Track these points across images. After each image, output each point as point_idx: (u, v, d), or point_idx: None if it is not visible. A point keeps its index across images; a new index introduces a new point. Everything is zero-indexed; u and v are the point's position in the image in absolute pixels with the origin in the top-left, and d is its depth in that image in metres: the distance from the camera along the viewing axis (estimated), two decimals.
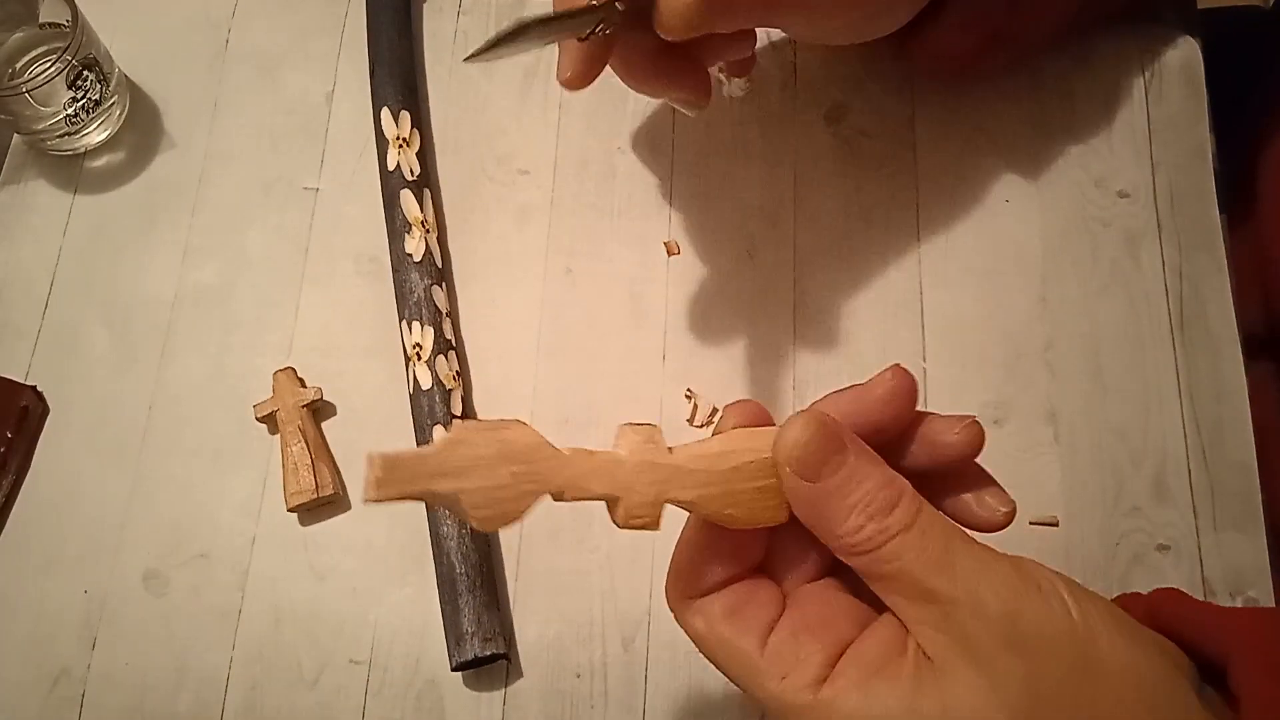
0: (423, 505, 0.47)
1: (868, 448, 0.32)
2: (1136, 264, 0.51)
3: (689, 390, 0.50)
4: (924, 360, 0.50)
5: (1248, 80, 0.56)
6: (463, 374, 0.50)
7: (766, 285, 0.52)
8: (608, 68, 0.43)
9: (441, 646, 0.45)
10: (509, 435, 0.31)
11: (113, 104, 0.54)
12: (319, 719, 0.46)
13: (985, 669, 0.29)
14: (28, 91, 0.50)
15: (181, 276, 0.53)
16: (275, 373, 0.50)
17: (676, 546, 0.34)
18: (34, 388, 0.51)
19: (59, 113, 0.52)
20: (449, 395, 0.48)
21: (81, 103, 0.53)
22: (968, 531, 0.33)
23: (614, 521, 0.32)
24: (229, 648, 0.47)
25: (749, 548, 0.34)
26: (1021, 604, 0.30)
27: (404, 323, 0.50)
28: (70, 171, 0.55)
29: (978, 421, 0.34)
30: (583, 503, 0.32)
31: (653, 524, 0.32)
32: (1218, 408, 0.49)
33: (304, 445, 0.48)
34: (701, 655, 0.35)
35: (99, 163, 0.56)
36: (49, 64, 0.50)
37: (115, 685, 0.46)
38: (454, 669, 0.45)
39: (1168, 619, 0.33)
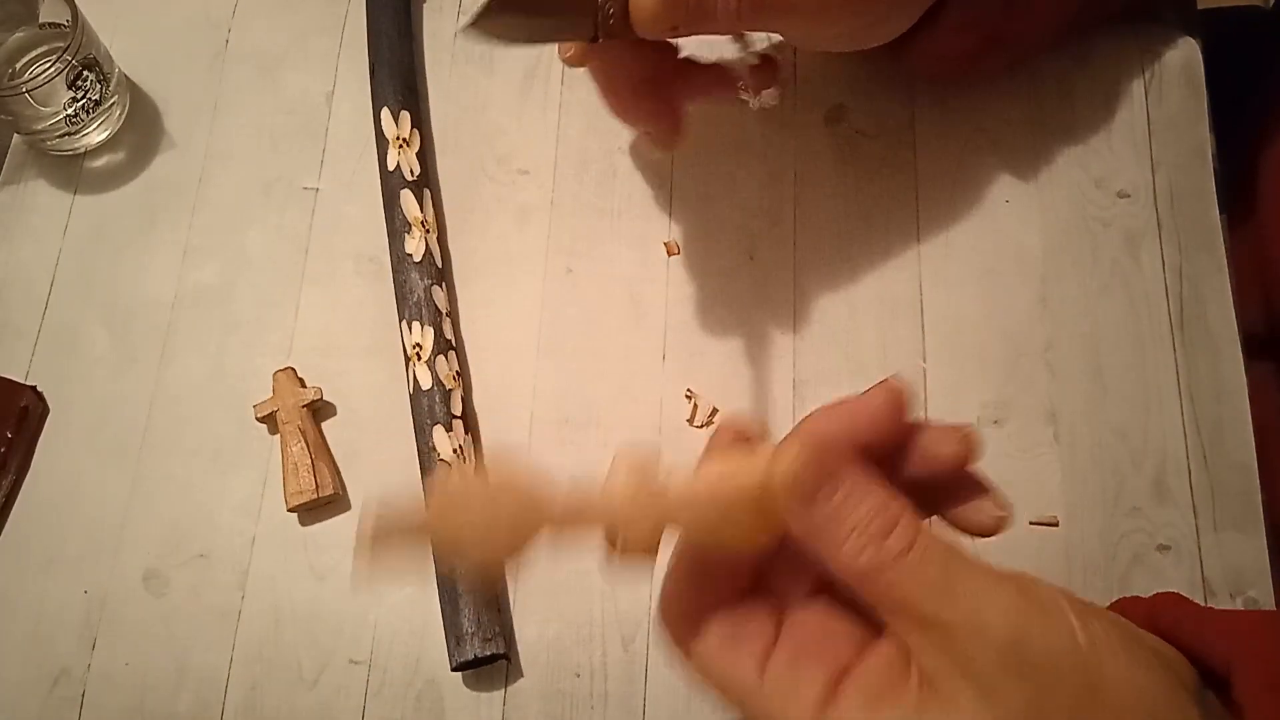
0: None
1: (864, 467, 0.32)
2: (1136, 264, 0.51)
3: (689, 390, 0.50)
4: (924, 360, 0.50)
5: (1248, 80, 0.56)
6: (463, 374, 0.50)
7: (766, 285, 0.52)
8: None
9: (441, 646, 0.45)
10: (501, 475, 0.30)
11: (113, 104, 0.54)
12: (319, 719, 0.46)
13: (989, 694, 0.29)
14: (28, 91, 0.51)
15: (181, 276, 0.53)
16: (275, 373, 0.50)
17: (665, 577, 0.33)
18: (34, 388, 0.51)
19: (59, 113, 0.52)
20: (449, 395, 0.48)
21: (81, 103, 0.53)
22: (976, 541, 0.32)
23: (611, 554, 0.31)
24: (229, 648, 0.47)
25: (741, 571, 0.34)
26: (1026, 628, 0.29)
27: (404, 323, 0.50)
28: (70, 171, 0.55)
29: (973, 431, 0.34)
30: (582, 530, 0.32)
31: (651, 555, 0.31)
32: (1218, 408, 0.49)
33: (304, 445, 0.48)
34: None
35: (99, 163, 0.56)
36: (49, 64, 0.50)
37: (115, 685, 0.46)
38: (454, 669, 0.45)
39: (1169, 626, 0.33)
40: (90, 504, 0.49)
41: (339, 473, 0.49)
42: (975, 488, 0.35)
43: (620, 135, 0.55)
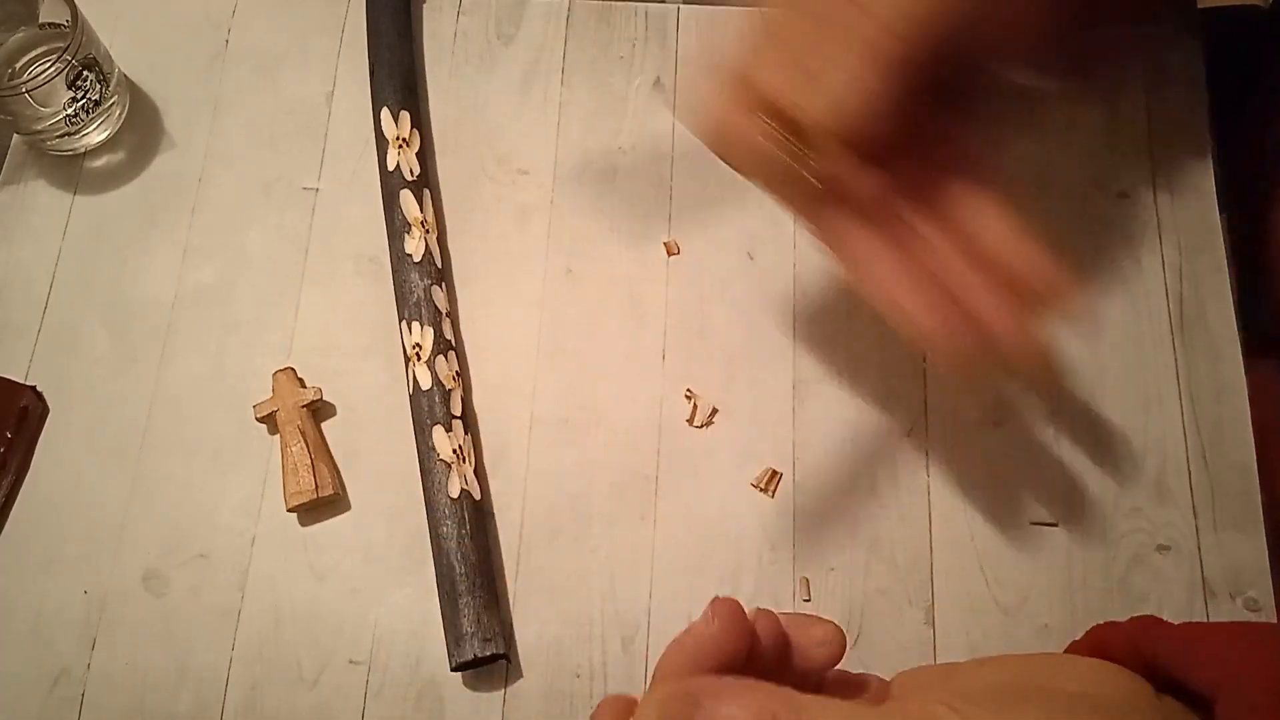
0: (422, 504, 0.47)
1: (730, 683, 0.31)
2: (1136, 264, 0.51)
3: (689, 390, 0.50)
4: (924, 360, 0.50)
5: (1248, 80, 0.56)
6: (462, 374, 0.50)
7: (766, 285, 0.52)
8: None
9: (441, 647, 0.45)
10: None
11: (113, 104, 0.54)
12: (319, 719, 0.46)
13: None
14: (28, 91, 0.50)
15: (181, 276, 0.53)
16: (275, 373, 0.50)
17: None
18: (34, 388, 0.51)
19: (59, 113, 0.52)
20: (448, 395, 0.48)
21: (81, 103, 0.53)
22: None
23: None
24: (229, 648, 0.47)
25: None
26: None
27: (404, 323, 0.50)
28: (70, 171, 0.55)
29: (837, 634, 0.34)
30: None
31: None
32: (1218, 408, 0.49)
33: (304, 445, 0.48)
34: None
35: (99, 163, 0.56)
36: (49, 64, 0.50)
37: (115, 685, 0.46)
38: (453, 669, 0.45)
39: (1151, 651, 0.33)
40: (90, 504, 0.49)
41: (339, 473, 0.49)
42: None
43: (620, 135, 0.55)
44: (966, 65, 0.39)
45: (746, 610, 0.34)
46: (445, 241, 0.53)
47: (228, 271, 0.53)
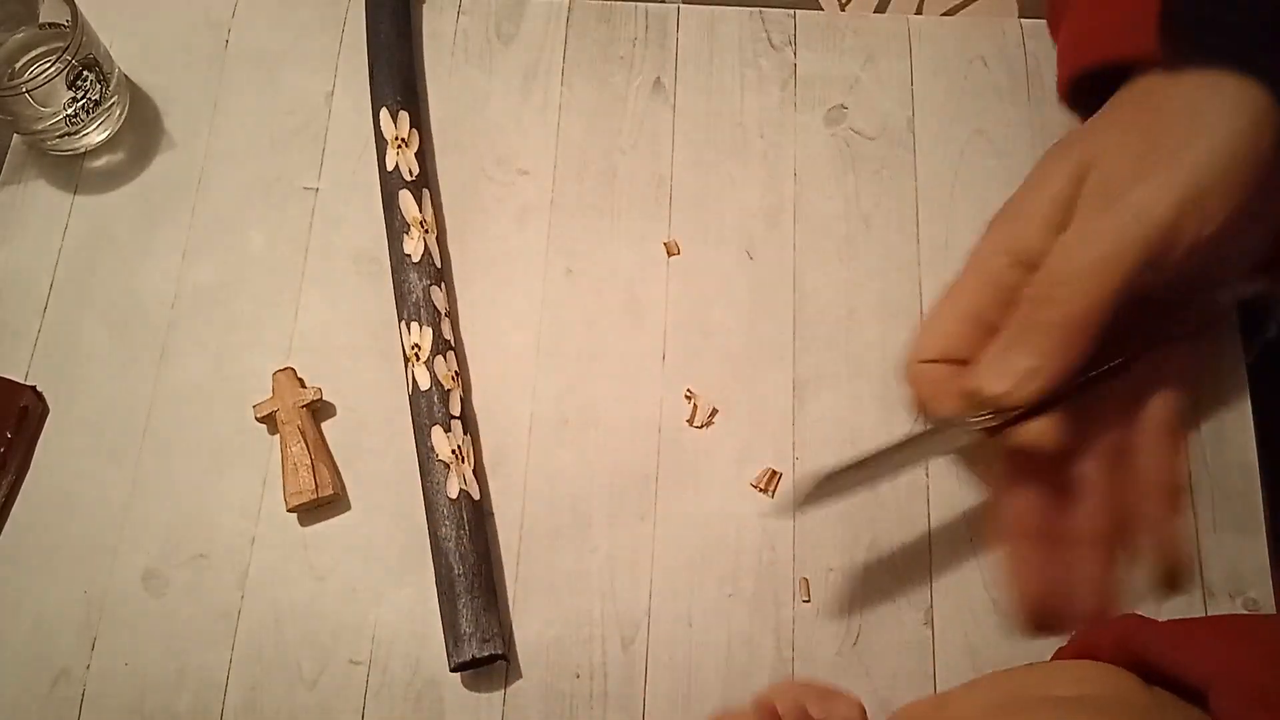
0: (421, 504, 0.47)
1: None
2: None
3: (689, 390, 0.50)
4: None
5: None
6: (462, 374, 0.50)
7: (766, 285, 0.52)
8: None
9: (441, 647, 0.45)
10: None
11: (113, 104, 0.54)
12: (319, 719, 0.46)
13: None
14: (28, 91, 0.51)
15: (181, 276, 0.53)
16: (275, 373, 0.50)
17: None
18: (34, 388, 0.51)
19: (59, 113, 0.52)
20: (448, 395, 0.48)
21: (81, 103, 0.53)
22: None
23: None
24: (229, 648, 0.47)
25: None
26: None
27: (403, 323, 0.50)
28: (70, 171, 0.55)
29: (863, 711, 0.36)
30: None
31: None
32: (1218, 408, 0.49)
33: (304, 445, 0.48)
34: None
35: (99, 163, 0.56)
36: (49, 64, 0.50)
37: (115, 685, 0.46)
38: (452, 669, 0.45)
39: (1139, 648, 0.33)
40: (90, 504, 0.49)
41: (339, 473, 0.49)
42: None
43: (620, 135, 0.55)
44: (1182, 293, 0.40)
45: (770, 688, 0.35)
46: (445, 242, 0.53)
47: (227, 271, 0.53)
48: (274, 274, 0.53)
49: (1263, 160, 0.37)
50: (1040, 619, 0.41)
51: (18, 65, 0.54)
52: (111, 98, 0.54)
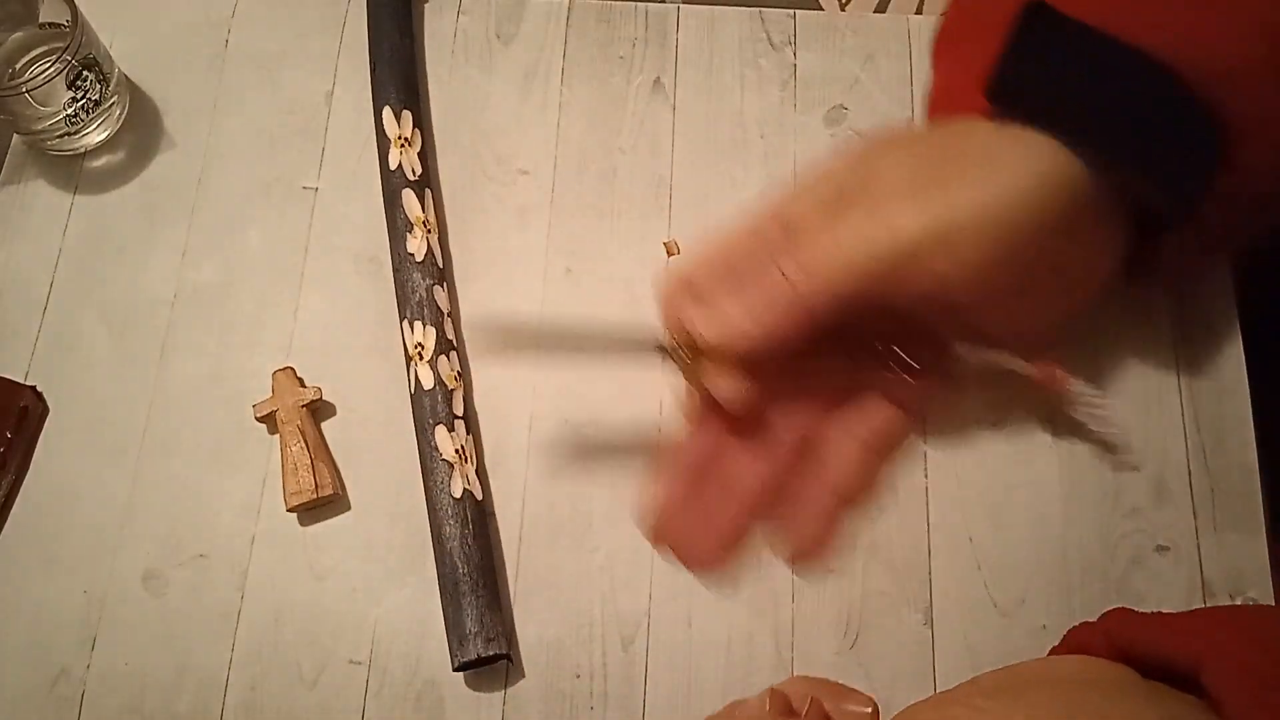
0: (421, 504, 0.47)
1: None
2: None
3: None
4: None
5: None
6: (463, 374, 0.50)
7: None
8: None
9: (441, 647, 0.45)
10: None
11: (113, 104, 0.54)
12: (319, 719, 0.46)
13: None
14: (28, 91, 0.50)
15: (181, 276, 0.53)
16: (275, 373, 0.50)
17: None
18: (34, 388, 0.51)
19: (59, 113, 0.52)
20: (451, 395, 0.48)
21: (81, 103, 0.53)
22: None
23: None
24: (229, 648, 0.47)
25: None
26: None
27: (405, 323, 0.50)
28: (70, 171, 0.55)
29: (876, 708, 0.37)
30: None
31: None
32: (1218, 408, 0.49)
33: (303, 445, 0.48)
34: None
35: (99, 163, 0.56)
36: (49, 64, 0.50)
37: (115, 685, 0.46)
38: (456, 669, 0.45)
39: (1129, 641, 0.33)
40: (90, 504, 0.49)
41: (338, 473, 0.49)
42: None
43: (620, 135, 0.55)
44: (921, 331, 0.41)
45: (784, 682, 0.35)
46: (446, 241, 0.53)
47: (227, 271, 0.53)
48: (274, 274, 0.53)
49: (1038, 224, 0.37)
50: (658, 534, 0.41)
51: (18, 65, 0.54)
52: (111, 98, 0.54)
